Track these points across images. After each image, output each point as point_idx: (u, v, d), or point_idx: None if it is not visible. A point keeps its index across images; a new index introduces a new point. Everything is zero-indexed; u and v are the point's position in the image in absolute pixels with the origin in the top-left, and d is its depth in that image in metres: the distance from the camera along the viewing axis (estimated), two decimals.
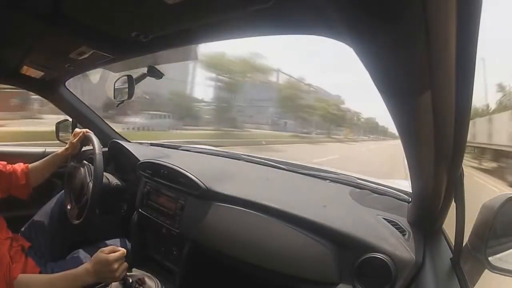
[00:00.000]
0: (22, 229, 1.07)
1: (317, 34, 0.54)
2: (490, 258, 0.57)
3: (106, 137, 1.46)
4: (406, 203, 0.79)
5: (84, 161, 1.14)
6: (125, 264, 0.80)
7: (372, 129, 37.08)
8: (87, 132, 1.13)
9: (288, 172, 1.10)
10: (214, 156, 1.37)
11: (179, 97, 16.03)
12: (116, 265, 0.78)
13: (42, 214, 1.12)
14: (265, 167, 1.16)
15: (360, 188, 0.93)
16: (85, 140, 1.14)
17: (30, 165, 1.05)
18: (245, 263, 0.79)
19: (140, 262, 1.07)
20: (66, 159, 1.13)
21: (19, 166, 1.03)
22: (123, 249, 0.81)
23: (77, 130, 1.14)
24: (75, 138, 1.11)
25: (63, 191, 1.18)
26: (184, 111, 15.14)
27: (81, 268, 0.77)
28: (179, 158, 1.23)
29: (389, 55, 0.33)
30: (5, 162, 1.00)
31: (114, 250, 0.79)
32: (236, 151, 1.53)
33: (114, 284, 0.82)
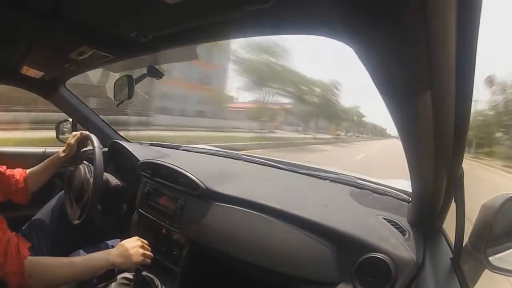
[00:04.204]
0: (23, 227, 1.07)
1: (317, 34, 0.54)
2: (490, 258, 0.57)
3: (106, 137, 1.45)
4: (406, 203, 0.79)
5: (84, 161, 1.14)
6: (149, 253, 0.87)
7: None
8: (84, 132, 1.13)
9: (288, 172, 1.10)
10: (214, 156, 1.37)
11: None
12: (140, 243, 0.86)
13: (43, 214, 1.12)
14: (265, 167, 1.16)
15: (360, 188, 0.93)
16: (83, 140, 1.14)
17: (28, 170, 1.05)
18: (245, 263, 0.79)
19: None
20: (64, 161, 1.13)
21: (18, 171, 1.03)
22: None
23: (74, 132, 1.15)
24: (72, 139, 1.12)
25: (63, 191, 1.18)
26: None
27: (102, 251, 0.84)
28: (179, 158, 1.23)
29: (389, 55, 0.33)
30: (5, 167, 1.00)
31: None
32: None
33: (113, 284, 0.81)
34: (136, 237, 0.89)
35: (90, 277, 0.80)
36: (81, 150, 1.18)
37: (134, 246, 0.85)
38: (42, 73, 1.18)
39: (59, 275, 0.74)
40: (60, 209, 1.13)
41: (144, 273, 0.84)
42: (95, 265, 0.78)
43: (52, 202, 1.16)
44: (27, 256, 0.71)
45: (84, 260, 0.79)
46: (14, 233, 0.93)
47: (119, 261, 0.81)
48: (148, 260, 0.86)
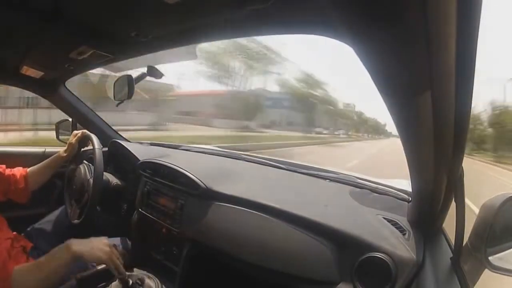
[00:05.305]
0: (28, 229, 1.07)
1: (317, 34, 0.54)
2: (490, 258, 0.57)
3: (106, 137, 1.45)
4: (406, 203, 0.79)
5: (84, 161, 1.15)
6: (116, 255, 0.79)
7: None
8: (85, 132, 1.13)
9: (288, 171, 1.10)
10: (214, 156, 1.37)
11: None
12: (108, 242, 0.79)
13: (48, 223, 1.12)
14: (265, 166, 1.16)
15: (360, 188, 0.93)
16: (84, 140, 1.14)
17: (29, 169, 1.05)
18: (245, 263, 0.79)
19: (140, 261, 1.07)
20: (65, 161, 1.13)
21: (18, 170, 1.03)
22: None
23: (75, 132, 1.15)
24: (73, 139, 1.12)
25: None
26: None
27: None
28: (179, 158, 1.23)
29: (389, 55, 0.33)
30: (5, 166, 1.00)
31: None
32: None
33: (114, 284, 0.81)
34: (105, 237, 0.82)
35: (65, 271, 0.75)
36: (82, 149, 1.18)
37: (100, 240, 0.79)
38: (42, 73, 1.18)
39: (33, 281, 0.71)
40: (65, 216, 1.12)
41: (144, 272, 0.84)
42: (59, 257, 0.74)
43: (58, 211, 1.17)
44: (12, 273, 0.69)
45: (47, 258, 0.75)
46: (15, 233, 0.93)
47: (80, 249, 0.75)
48: (111, 264, 0.76)
